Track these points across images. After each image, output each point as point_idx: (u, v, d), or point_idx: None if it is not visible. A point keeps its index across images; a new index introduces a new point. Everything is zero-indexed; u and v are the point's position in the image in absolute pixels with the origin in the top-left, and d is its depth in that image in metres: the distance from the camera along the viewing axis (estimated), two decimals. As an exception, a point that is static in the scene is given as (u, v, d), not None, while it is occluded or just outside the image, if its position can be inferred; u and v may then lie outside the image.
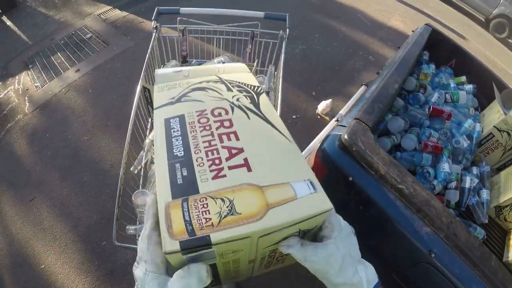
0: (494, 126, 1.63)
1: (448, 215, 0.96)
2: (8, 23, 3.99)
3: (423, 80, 1.68)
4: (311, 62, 3.14)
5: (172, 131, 0.52)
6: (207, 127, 0.52)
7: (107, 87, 2.96)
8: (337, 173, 1.02)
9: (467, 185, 1.46)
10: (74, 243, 2.03)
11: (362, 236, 1.10)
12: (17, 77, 3.19)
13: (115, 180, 2.29)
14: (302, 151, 1.31)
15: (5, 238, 2.11)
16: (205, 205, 0.41)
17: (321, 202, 0.43)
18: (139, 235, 0.84)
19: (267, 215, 0.40)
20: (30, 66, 3.26)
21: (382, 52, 3.39)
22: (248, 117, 0.55)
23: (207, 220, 0.39)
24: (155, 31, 1.39)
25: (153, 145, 1.03)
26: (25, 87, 3.06)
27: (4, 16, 4.09)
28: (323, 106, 2.69)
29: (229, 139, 0.50)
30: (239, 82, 0.64)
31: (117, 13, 3.84)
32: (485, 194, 1.52)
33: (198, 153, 0.48)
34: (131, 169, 1.11)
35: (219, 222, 0.39)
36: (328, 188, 1.10)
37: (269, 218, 0.40)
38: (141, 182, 1.10)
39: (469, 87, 1.76)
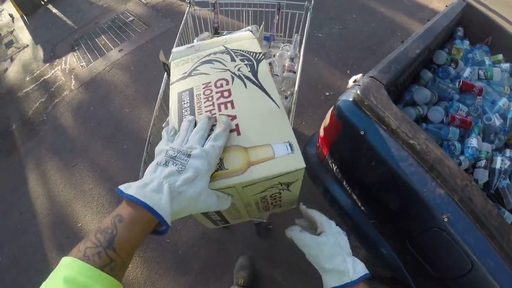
0: (531, 105, 1.52)
1: (464, 177, 0.92)
2: (54, 10, 4.34)
3: (455, 55, 1.60)
4: (347, 42, 3.09)
5: (183, 103, 0.63)
6: (210, 98, 0.62)
7: (148, 65, 3.13)
8: (350, 129, 1.02)
9: (498, 165, 1.38)
10: (110, 204, 2.21)
11: (375, 198, 1.11)
12: (63, 58, 3.47)
13: (153, 149, 2.42)
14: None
15: (48, 199, 2.33)
16: None
17: (295, 161, 0.51)
18: None
19: (248, 171, 0.50)
20: (76, 48, 3.52)
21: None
22: (245, 86, 0.64)
23: None
24: (188, 5, 1.48)
25: None
26: (71, 66, 3.33)
27: (49, 4, 4.46)
28: (352, 80, 2.67)
29: (226, 108, 0.59)
30: (243, 50, 0.73)
31: None
32: (517, 178, 1.43)
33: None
34: (163, 124, 1.21)
35: (212, 175, 0.50)
36: (342, 145, 1.14)
37: (249, 173, 0.50)
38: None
39: (506, 65, 1.63)
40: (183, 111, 0.61)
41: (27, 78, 3.41)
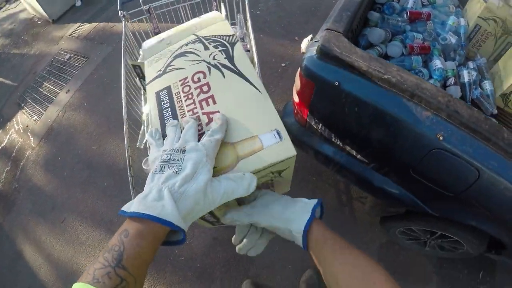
0: (478, 16, 1.59)
1: (444, 94, 0.94)
2: None
3: (394, -10, 1.64)
4: (286, 11, 3.15)
5: (162, 104, 0.60)
6: (190, 96, 0.59)
7: (99, 96, 3.03)
8: (323, 84, 1.03)
9: (466, 78, 1.44)
10: (112, 246, 2.12)
11: (369, 142, 1.13)
12: (14, 119, 3.27)
13: (135, 169, 2.37)
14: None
15: (50, 264, 2.21)
16: None
17: (285, 149, 0.49)
18: None
19: (237, 165, 0.49)
20: (22, 105, 3.33)
21: None
22: (224, 76, 0.61)
23: None
24: (123, 19, 1.42)
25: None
26: (24, 125, 3.14)
27: None
28: (306, 42, 2.72)
29: (208, 104, 0.57)
30: (215, 36, 0.70)
31: (87, 27, 3.87)
32: (487, 85, 1.49)
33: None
34: (137, 145, 1.17)
35: None
36: (320, 102, 1.13)
37: (238, 169, 0.48)
38: (148, 153, 1.15)
39: (445, -13, 1.70)
40: (164, 112, 0.59)
41: (-17, 153, 3.19)
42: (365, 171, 1.27)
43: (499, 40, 1.62)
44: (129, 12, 1.45)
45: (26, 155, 2.89)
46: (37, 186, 2.65)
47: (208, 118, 0.55)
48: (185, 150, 0.46)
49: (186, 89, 0.61)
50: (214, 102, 0.57)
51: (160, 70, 0.68)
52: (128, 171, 1.01)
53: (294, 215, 0.50)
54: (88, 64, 3.35)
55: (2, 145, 3.13)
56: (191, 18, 1.40)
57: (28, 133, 3.05)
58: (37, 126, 3.05)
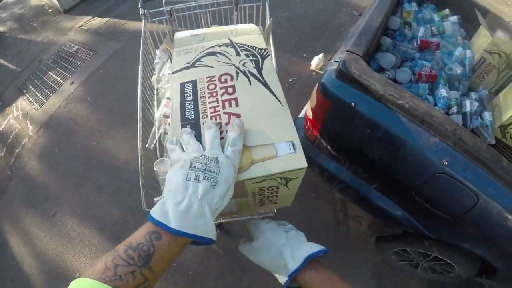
0: (484, 49, 1.66)
1: (451, 122, 1.00)
2: None
3: (406, 18, 1.71)
4: (297, 26, 3.19)
5: (186, 96, 0.62)
6: (214, 94, 0.61)
7: (103, 91, 3.01)
8: (339, 103, 1.07)
9: (468, 108, 1.50)
10: (103, 245, 2.09)
11: (376, 163, 1.17)
12: (14, 105, 3.23)
13: (131, 175, 2.34)
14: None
15: (36, 257, 2.17)
16: None
17: (298, 161, 0.52)
18: None
19: (251, 168, 0.51)
20: (24, 91, 3.30)
21: (365, 4, 3.41)
22: (250, 83, 0.64)
23: None
24: (143, 18, 1.43)
25: (165, 118, 1.11)
26: (24, 111, 3.11)
27: None
28: (316, 61, 2.76)
29: (230, 105, 0.59)
30: (248, 46, 0.72)
31: (98, 21, 3.86)
32: (487, 116, 1.55)
33: (205, 117, 0.58)
34: (147, 145, 1.17)
35: None
36: (334, 121, 1.17)
37: (251, 171, 0.51)
38: (158, 154, 1.16)
39: (454, 18, 1.78)
40: (186, 104, 0.60)
41: (-22, 136, 3.14)
42: (368, 191, 1.31)
43: (502, 73, 1.69)
44: (150, 11, 1.47)
45: (23, 143, 2.85)
46: (30, 176, 2.61)
47: (228, 118, 0.57)
48: (218, 161, 0.47)
49: (212, 86, 0.62)
50: (237, 105, 0.59)
51: (188, 63, 0.69)
52: (140, 170, 1.01)
53: (281, 269, 0.54)
54: (95, 58, 3.35)
55: (-1, 130, 3.09)
56: (211, 25, 1.43)
57: (27, 121, 3.01)
58: (37, 115, 3.02)
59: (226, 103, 0.59)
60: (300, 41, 3.05)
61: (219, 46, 0.72)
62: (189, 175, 0.45)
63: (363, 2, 3.43)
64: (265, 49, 0.71)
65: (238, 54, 0.70)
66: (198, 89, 0.62)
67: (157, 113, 1.23)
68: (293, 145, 0.54)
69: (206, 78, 0.64)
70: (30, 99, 3.20)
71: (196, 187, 0.44)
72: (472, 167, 0.99)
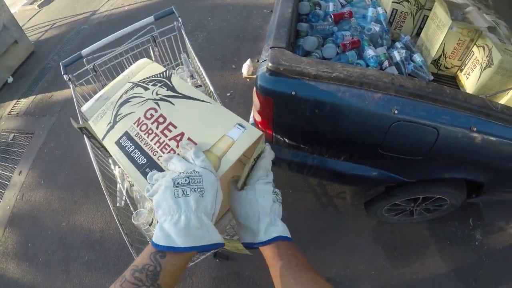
0: (392, 1, 1.80)
1: (387, 74, 1.07)
2: None
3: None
4: (216, 42, 3.28)
5: (127, 149, 0.62)
6: (150, 131, 0.63)
7: (54, 170, 2.87)
8: (281, 97, 1.11)
9: (398, 58, 1.63)
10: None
11: (336, 138, 1.22)
12: (-32, 218, 3.00)
13: (112, 241, 2.25)
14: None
15: None
16: None
17: (252, 133, 0.57)
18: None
19: (220, 165, 0.54)
20: (-26, 201, 3.07)
21: (272, 0, 3.60)
22: (172, 103, 0.66)
23: None
24: (69, 83, 1.41)
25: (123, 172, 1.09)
26: (-19, 221, 2.89)
27: None
28: (245, 68, 2.85)
29: (170, 131, 0.61)
30: (149, 77, 0.74)
31: (24, 102, 3.70)
32: (417, 57, 1.69)
33: (156, 154, 0.59)
34: (117, 204, 1.14)
35: None
36: (282, 114, 1.21)
37: (223, 164, 0.54)
38: (132, 208, 1.13)
39: (356, -17, 1.92)
40: (133, 155, 0.61)
41: None
42: (338, 165, 1.37)
43: (416, 16, 1.85)
44: (74, 74, 1.45)
45: (-8, 253, 2.64)
46: (13, 281, 2.42)
47: (176, 141, 0.59)
48: (198, 172, 0.49)
49: (144, 127, 0.64)
50: (175, 127, 0.61)
51: (109, 123, 0.69)
52: (121, 229, 0.99)
53: (248, 230, 0.55)
54: (34, 140, 3.20)
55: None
56: None
57: (-11, 228, 2.80)
58: (-3, 218, 2.82)
59: (166, 131, 0.61)
60: (224, 55, 3.13)
61: (126, 92, 0.73)
62: (176, 193, 0.46)
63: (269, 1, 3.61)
64: (165, 71, 0.74)
65: (146, 88, 0.71)
66: (133, 136, 0.63)
67: (116, 170, 1.21)
68: (240, 125, 0.58)
69: (134, 123, 0.65)
70: (-16, 205, 2.98)
71: (187, 201, 0.45)
72: (421, 105, 1.06)
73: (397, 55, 1.63)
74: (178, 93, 0.67)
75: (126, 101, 0.71)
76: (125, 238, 0.97)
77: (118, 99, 0.72)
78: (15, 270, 2.47)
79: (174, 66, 1.61)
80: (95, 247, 2.28)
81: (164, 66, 1.55)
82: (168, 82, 0.70)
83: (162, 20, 1.48)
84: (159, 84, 0.70)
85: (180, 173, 0.49)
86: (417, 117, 1.06)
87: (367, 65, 1.53)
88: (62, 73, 1.39)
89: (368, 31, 1.70)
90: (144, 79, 0.74)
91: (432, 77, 1.63)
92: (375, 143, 1.17)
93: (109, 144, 0.65)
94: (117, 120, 0.68)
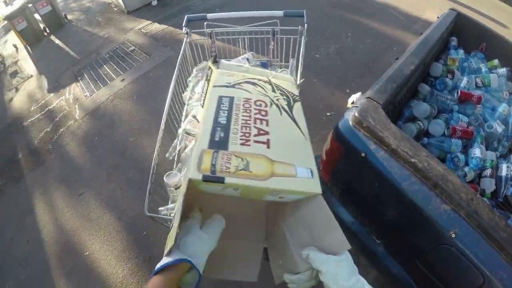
0: (530, 108, 1.52)
1: (468, 191, 0.92)
2: (57, 41, 4.48)
3: (451, 66, 1.61)
4: (345, 60, 3.17)
5: (221, 105, 0.69)
6: (248, 111, 0.69)
7: (150, 93, 3.20)
8: (351, 151, 1.04)
9: (504, 173, 1.38)
10: (117, 233, 2.20)
11: (382, 218, 1.11)
12: (67, 88, 3.55)
13: (158, 177, 2.43)
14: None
15: (55, 227, 2.35)
16: (229, 159, 0.56)
17: (314, 186, 0.57)
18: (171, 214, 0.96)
19: (270, 179, 0.55)
20: (79, 78, 3.61)
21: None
22: (281, 113, 0.72)
23: (227, 168, 0.54)
24: (186, 36, 1.52)
25: (187, 134, 1.19)
26: (75, 96, 3.40)
27: (52, 36, 4.60)
28: (353, 99, 2.70)
29: (261, 123, 0.66)
30: (283, 88, 0.82)
31: (156, 27, 4.14)
32: (525, 184, 1.42)
33: (235, 125, 0.64)
34: (167, 155, 1.23)
35: (235, 172, 0.54)
36: (344, 166, 1.15)
37: (270, 182, 0.55)
38: (175, 166, 1.20)
39: (502, 70, 1.64)
40: (220, 111, 0.66)
41: (32, 108, 3.48)
42: (373, 244, 1.25)
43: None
44: (193, 31, 1.56)
45: (68, 124, 3.11)
46: (69, 155, 2.83)
47: (258, 132, 0.63)
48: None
49: (247, 105, 0.70)
50: (267, 125, 0.66)
51: (229, 83, 0.77)
52: (150, 177, 1.06)
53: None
54: (148, 61, 3.58)
55: (50, 107, 3.40)
56: (248, 51, 1.48)
57: (76, 105, 3.29)
58: (86, 102, 3.29)
59: (258, 121, 0.66)
60: (345, 75, 3.04)
61: (259, 80, 0.81)
62: None
63: (414, 41, 3.33)
64: (297, 95, 0.79)
65: (273, 90, 0.78)
66: (234, 103, 0.70)
67: (181, 128, 1.28)
68: (311, 172, 0.59)
69: (243, 98, 0.72)
70: (83, 86, 3.49)
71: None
72: (483, 244, 0.88)
73: (505, 169, 1.37)
74: (291, 113, 0.73)
75: (253, 83, 0.79)
76: (149, 185, 1.03)
77: (250, 78, 0.81)
78: (74, 148, 2.88)
79: (282, 66, 1.62)
80: (142, 172, 2.53)
81: (274, 62, 1.59)
82: (291, 102, 0.77)
83: (290, 19, 1.48)
84: (285, 97, 0.78)
85: None
86: (472, 253, 0.89)
87: (466, 164, 1.33)
88: (183, 24, 1.50)
89: (489, 128, 1.46)
90: (279, 85, 0.82)
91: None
92: (417, 251, 1.04)
93: (215, 93, 0.73)
94: (236, 86, 0.77)
